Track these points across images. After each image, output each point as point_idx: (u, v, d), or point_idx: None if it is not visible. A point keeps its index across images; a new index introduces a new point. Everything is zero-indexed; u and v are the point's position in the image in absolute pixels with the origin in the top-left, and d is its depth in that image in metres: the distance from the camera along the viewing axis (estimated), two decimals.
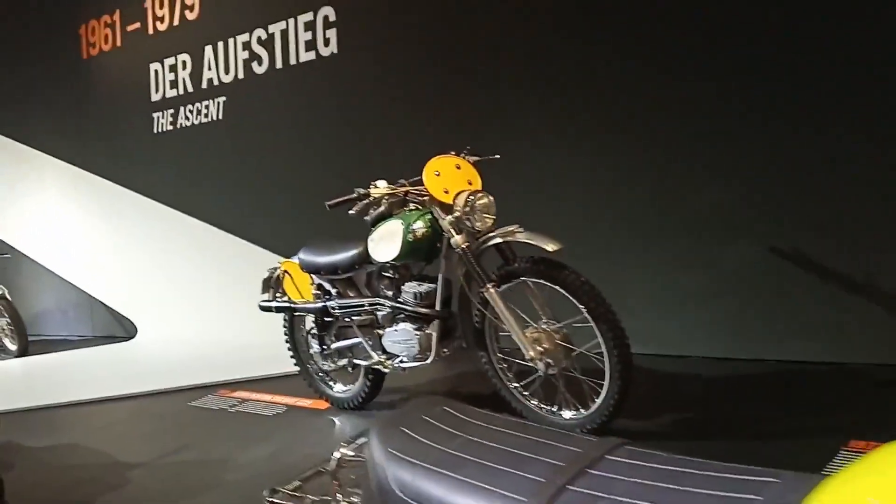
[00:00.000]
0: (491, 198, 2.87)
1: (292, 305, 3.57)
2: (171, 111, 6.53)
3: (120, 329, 7.27)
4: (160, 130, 6.65)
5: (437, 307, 3.05)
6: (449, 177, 2.91)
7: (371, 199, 2.98)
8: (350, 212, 3.00)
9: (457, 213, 2.84)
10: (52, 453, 3.66)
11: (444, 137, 4.52)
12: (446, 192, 2.87)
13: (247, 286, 5.89)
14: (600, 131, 4.03)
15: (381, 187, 3.00)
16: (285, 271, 3.62)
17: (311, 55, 5.39)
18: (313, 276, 3.50)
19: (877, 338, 3.14)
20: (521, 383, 2.97)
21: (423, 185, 2.91)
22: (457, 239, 2.87)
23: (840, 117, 3.32)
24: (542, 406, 2.89)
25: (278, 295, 3.68)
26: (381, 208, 3.10)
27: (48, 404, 4.61)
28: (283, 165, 5.66)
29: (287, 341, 3.86)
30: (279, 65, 5.60)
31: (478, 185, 2.96)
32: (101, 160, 7.13)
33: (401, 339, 3.15)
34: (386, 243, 3.06)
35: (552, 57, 4.23)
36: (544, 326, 2.80)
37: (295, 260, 3.59)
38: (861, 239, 3.26)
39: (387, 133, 4.96)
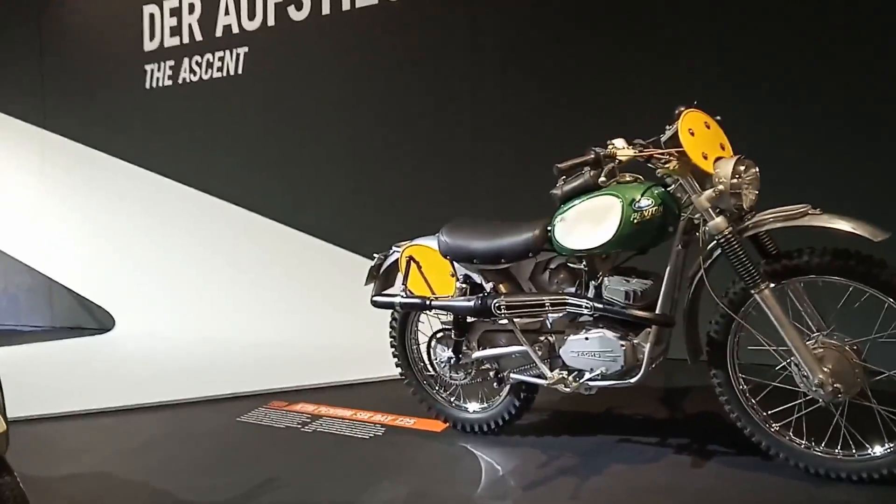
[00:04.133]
0: (757, 169, 2.19)
1: (428, 302, 2.76)
2: (172, 63, 5.49)
3: (88, 319, 6.16)
4: (154, 86, 5.59)
5: (658, 310, 2.35)
6: (702, 138, 2.20)
7: (617, 162, 2.23)
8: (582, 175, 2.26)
9: (720, 187, 2.14)
10: (82, 487, 2.73)
11: (564, 103, 3.75)
12: (705, 158, 2.16)
13: (272, 275, 5.01)
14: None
15: (620, 147, 2.26)
16: (410, 258, 2.81)
17: None
18: (457, 264, 2.71)
19: None
20: (769, 412, 2.30)
21: (666, 146, 2.19)
22: (717, 222, 2.17)
23: None
24: (816, 445, 2.21)
25: (401, 288, 2.87)
26: (579, 181, 2.37)
27: (36, 415, 3.58)
28: (324, 134, 4.76)
29: (393, 345, 3.05)
30: (326, 10, 4.68)
31: (730, 150, 2.27)
32: (74, 121, 5.98)
33: (595, 349, 2.42)
34: (591, 225, 2.33)
35: None
36: (825, 339, 2.14)
37: (427, 243, 2.79)
38: None
39: (479, 99, 4.13)
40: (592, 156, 2.20)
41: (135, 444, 3.29)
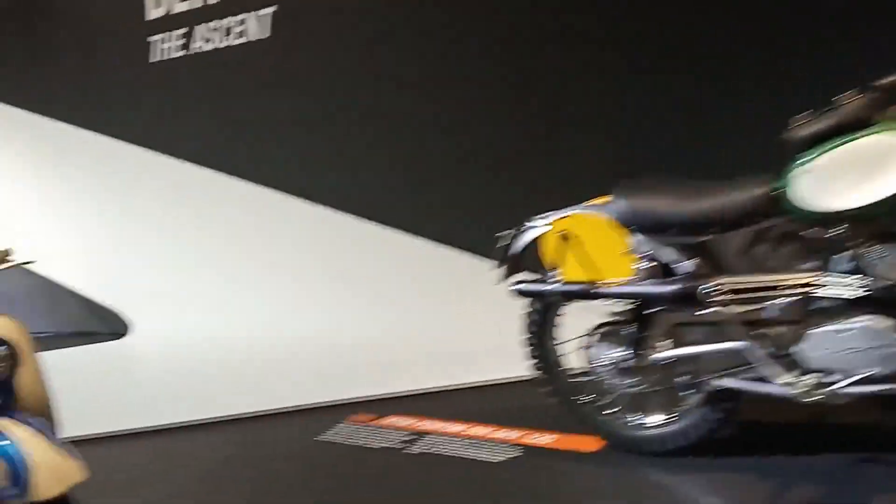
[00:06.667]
0: None
1: (597, 290, 2.10)
2: (182, 31, 4.76)
3: (97, 324, 5.41)
4: (162, 58, 4.85)
5: None
6: None
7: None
8: None
9: None
10: None
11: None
12: None
13: (325, 267, 4.20)
14: None
15: None
16: (563, 233, 2.15)
17: None
18: (641, 237, 2.07)
19: None
20: None
21: None
22: None
23: None
24: None
25: (549, 272, 2.21)
26: (834, 116, 1.74)
27: (77, 436, 2.83)
28: (374, 107, 4.04)
29: (532, 343, 2.41)
30: None
31: None
32: (67, 102, 5.26)
33: (860, 345, 1.80)
34: (861, 175, 1.72)
35: None
36: None
37: (588, 212, 2.14)
38: None
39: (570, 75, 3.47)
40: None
41: (203, 468, 2.68)
